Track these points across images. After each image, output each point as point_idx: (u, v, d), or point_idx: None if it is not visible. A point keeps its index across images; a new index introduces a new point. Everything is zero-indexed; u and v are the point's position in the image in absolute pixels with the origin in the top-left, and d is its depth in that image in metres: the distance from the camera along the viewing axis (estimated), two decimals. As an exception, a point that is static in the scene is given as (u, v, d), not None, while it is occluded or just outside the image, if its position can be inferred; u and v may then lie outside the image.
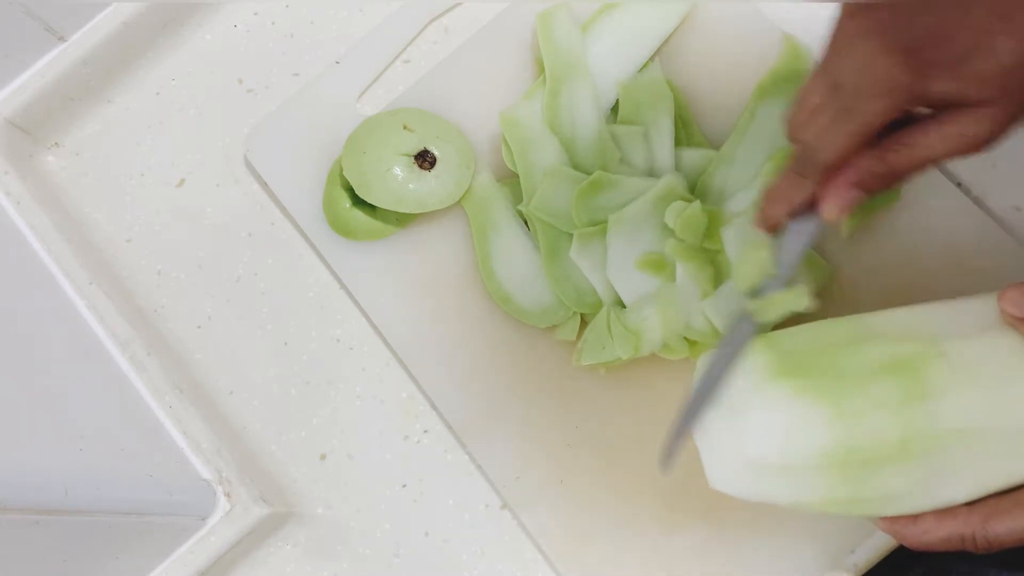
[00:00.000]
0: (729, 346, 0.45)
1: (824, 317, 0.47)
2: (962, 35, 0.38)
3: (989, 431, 0.42)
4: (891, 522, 0.44)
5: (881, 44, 0.39)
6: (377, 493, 0.59)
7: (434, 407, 0.59)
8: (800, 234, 0.47)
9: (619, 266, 0.57)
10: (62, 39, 0.65)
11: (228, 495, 0.56)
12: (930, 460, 0.42)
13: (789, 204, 0.46)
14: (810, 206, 0.46)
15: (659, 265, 0.56)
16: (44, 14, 0.63)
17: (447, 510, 0.58)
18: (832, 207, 0.43)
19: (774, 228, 0.48)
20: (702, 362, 0.46)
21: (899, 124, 0.42)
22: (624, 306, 0.57)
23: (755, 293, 0.47)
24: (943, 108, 0.41)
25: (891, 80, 0.40)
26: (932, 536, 0.43)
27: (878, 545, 0.52)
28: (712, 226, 0.56)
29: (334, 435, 0.60)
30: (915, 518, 0.43)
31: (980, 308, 0.44)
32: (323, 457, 0.60)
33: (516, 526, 0.57)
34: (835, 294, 0.56)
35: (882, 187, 0.43)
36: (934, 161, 0.42)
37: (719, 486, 0.45)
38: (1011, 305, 0.42)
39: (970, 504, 0.43)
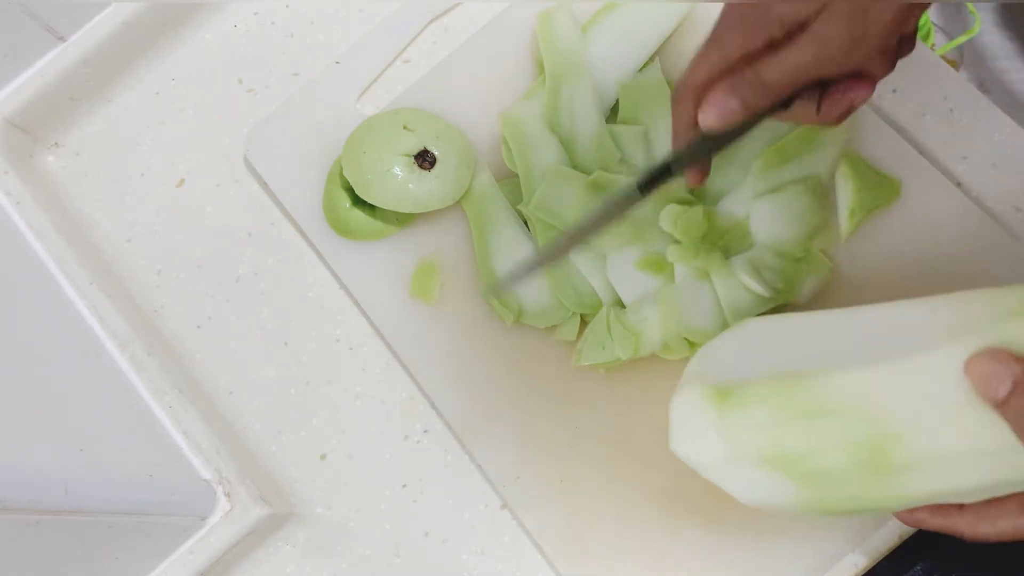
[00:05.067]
0: (606, 207, 0.49)
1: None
2: None
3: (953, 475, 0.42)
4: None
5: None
6: (377, 493, 0.59)
7: (434, 407, 0.59)
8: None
9: (619, 266, 0.57)
10: (62, 39, 0.65)
11: (228, 495, 0.56)
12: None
13: (678, 136, 0.49)
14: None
15: (659, 265, 0.56)
16: (44, 14, 0.63)
17: (447, 510, 0.58)
18: (708, 113, 0.45)
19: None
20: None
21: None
22: (624, 306, 0.57)
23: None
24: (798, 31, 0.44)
25: (741, 14, 0.45)
26: (926, 524, 0.45)
27: (878, 545, 0.52)
28: (711, 226, 0.56)
29: (334, 435, 0.60)
30: (911, 510, 0.45)
31: (953, 315, 0.43)
32: (323, 457, 0.60)
33: (516, 526, 0.57)
34: (835, 293, 0.56)
35: (757, 99, 0.45)
36: (805, 72, 0.44)
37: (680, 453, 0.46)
38: (981, 383, 0.39)
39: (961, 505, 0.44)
